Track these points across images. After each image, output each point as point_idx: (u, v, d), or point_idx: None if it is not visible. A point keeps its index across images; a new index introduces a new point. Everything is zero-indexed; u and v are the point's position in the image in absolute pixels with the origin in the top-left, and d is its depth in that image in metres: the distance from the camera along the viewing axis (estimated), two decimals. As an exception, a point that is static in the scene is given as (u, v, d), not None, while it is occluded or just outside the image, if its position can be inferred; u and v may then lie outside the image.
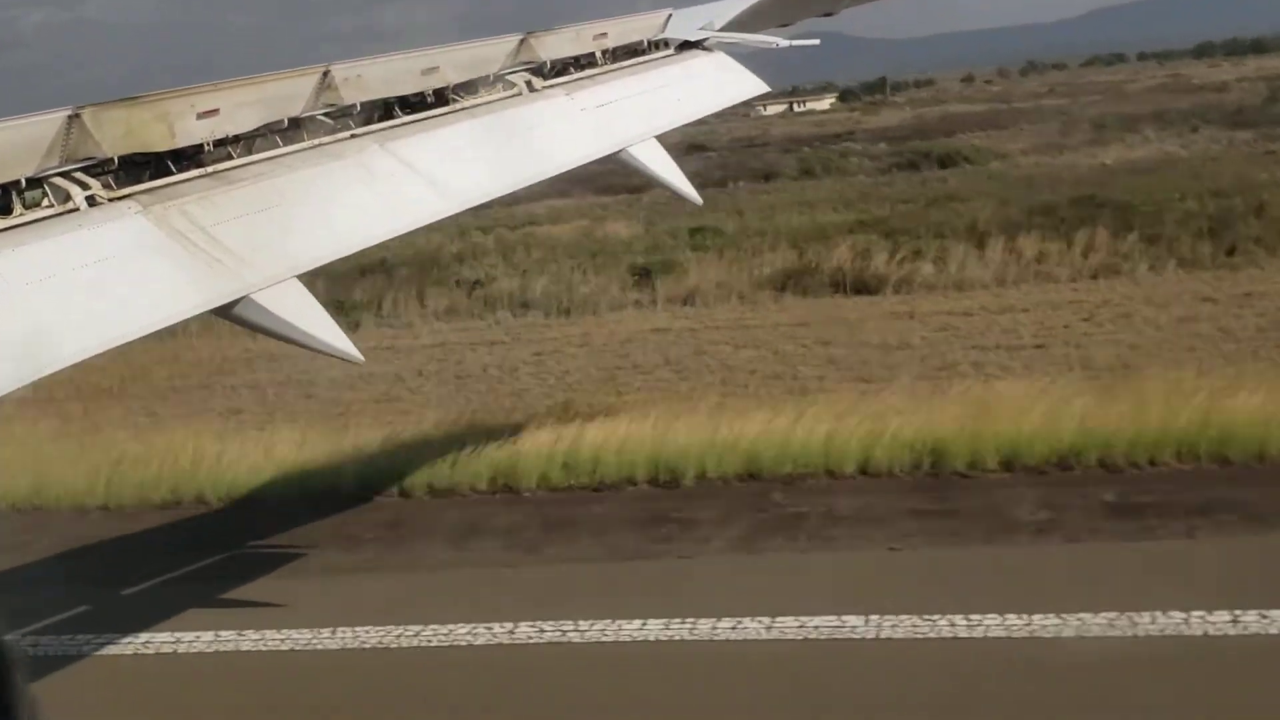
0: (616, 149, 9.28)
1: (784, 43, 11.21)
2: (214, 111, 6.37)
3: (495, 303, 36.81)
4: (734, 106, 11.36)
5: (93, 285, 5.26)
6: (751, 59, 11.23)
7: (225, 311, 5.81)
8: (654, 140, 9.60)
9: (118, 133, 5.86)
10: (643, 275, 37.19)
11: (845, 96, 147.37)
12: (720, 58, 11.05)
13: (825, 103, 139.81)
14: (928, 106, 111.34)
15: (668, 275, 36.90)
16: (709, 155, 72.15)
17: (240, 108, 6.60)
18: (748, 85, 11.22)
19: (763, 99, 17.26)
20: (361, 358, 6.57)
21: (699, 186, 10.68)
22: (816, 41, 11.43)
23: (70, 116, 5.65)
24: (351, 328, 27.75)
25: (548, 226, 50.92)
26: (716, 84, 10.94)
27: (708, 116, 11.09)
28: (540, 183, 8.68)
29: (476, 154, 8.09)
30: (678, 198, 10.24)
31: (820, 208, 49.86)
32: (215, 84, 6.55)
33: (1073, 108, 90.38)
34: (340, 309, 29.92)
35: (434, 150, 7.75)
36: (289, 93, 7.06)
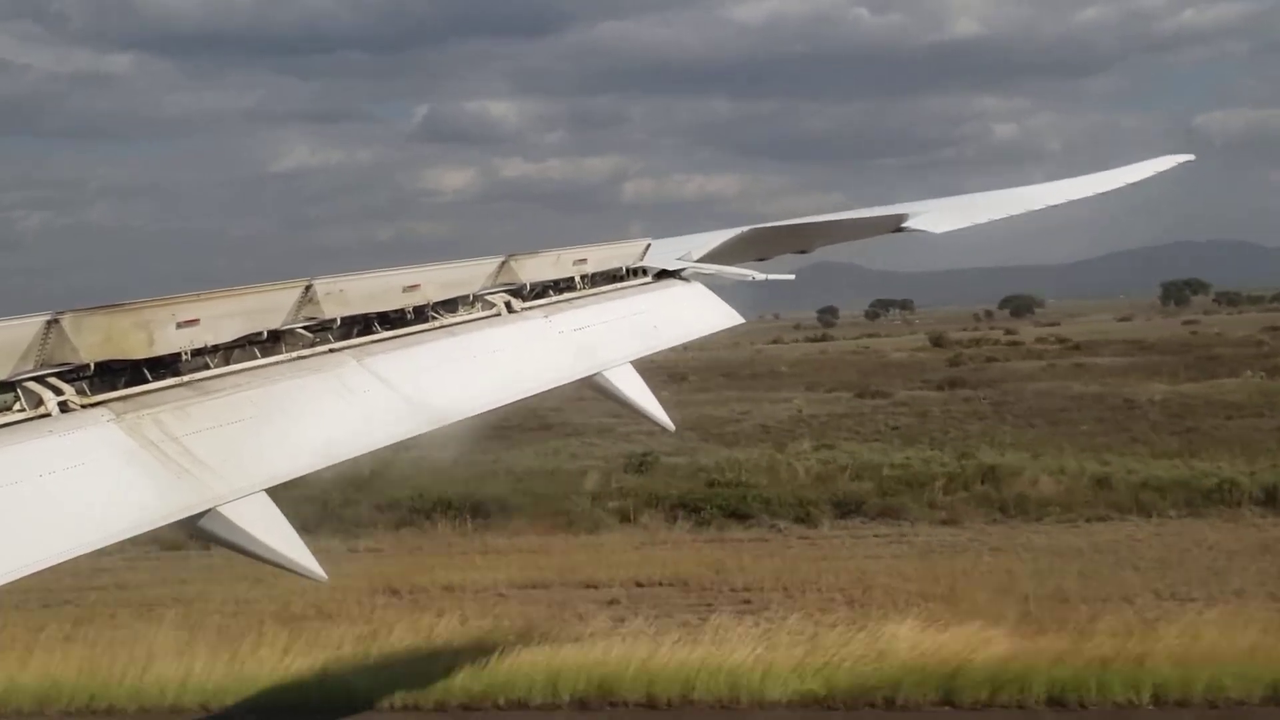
0: (592, 372, 9.30)
1: (760, 276, 11.38)
2: (194, 321, 6.33)
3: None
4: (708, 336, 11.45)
5: (58, 493, 5.12)
6: (732, 289, 11.38)
7: (190, 524, 5.65)
8: (629, 365, 9.62)
9: (96, 339, 5.80)
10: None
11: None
12: (697, 288, 11.21)
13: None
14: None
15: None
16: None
17: (221, 318, 6.57)
18: (722, 316, 11.35)
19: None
20: (325, 576, 6.37)
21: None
22: (791, 276, 11.62)
23: (49, 321, 5.59)
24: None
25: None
26: (691, 313, 11.06)
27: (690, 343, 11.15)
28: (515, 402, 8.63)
29: (453, 372, 8.05)
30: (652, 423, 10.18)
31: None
32: (197, 294, 6.53)
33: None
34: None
35: (411, 367, 7.72)
36: (270, 305, 7.04)
